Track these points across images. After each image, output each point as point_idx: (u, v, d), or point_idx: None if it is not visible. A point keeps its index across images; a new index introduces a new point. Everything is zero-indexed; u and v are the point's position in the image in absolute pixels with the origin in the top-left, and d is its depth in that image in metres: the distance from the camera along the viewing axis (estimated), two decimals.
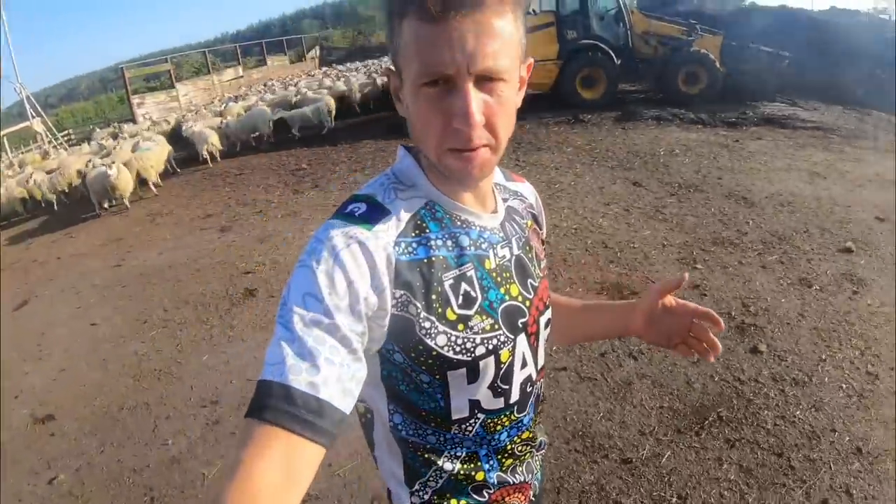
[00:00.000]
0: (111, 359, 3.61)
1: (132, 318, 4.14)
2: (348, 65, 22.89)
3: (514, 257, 0.73)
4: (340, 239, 0.59)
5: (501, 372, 0.71)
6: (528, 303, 0.73)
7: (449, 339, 0.65)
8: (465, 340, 0.66)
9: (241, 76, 25.11)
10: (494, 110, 0.59)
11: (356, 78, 13.62)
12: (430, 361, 0.65)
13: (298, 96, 12.14)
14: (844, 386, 2.59)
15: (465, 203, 0.70)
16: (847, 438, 2.28)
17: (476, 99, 0.57)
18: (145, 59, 36.61)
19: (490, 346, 0.68)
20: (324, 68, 25.33)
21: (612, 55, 9.56)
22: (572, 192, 5.68)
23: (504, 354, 0.70)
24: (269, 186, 7.34)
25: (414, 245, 0.64)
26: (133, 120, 17.72)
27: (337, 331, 0.55)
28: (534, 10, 10.08)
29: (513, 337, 0.71)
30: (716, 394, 2.58)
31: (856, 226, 4.49)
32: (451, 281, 0.65)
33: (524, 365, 0.74)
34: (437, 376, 0.66)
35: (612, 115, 8.95)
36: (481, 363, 0.68)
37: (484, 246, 0.70)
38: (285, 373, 0.52)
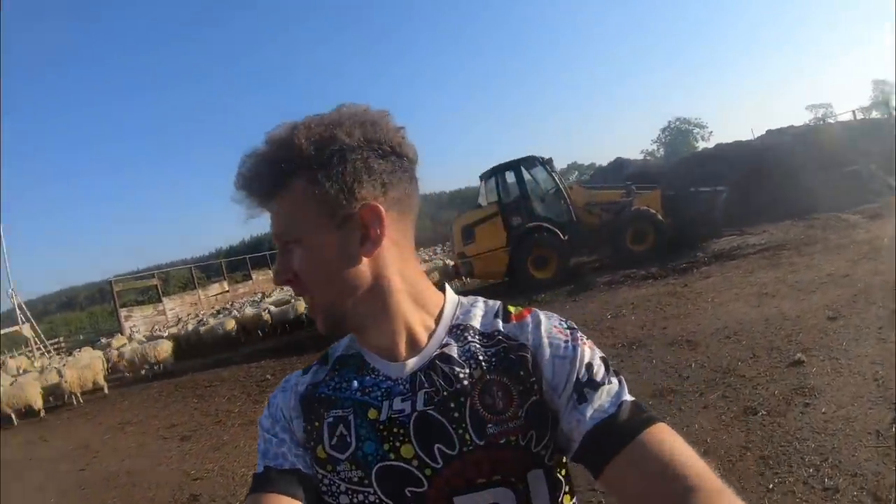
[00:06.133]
0: None
1: None
2: None
3: (415, 413, 0.63)
4: (280, 385, 0.73)
5: None
6: (428, 471, 0.62)
7: (317, 474, 0.65)
8: (331, 483, 0.64)
9: (227, 291, 25.90)
10: (299, 268, 0.65)
11: None
12: (309, 495, 0.65)
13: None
14: None
15: (370, 349, 0.69)
16: None
17: (280, 261, 0.66)
18: (139, 273, 38.12)
19: (355, 501, 0.63)
20: None
21: (559, 232, 9.72)
22: None
23: None
24: (233, 397, 7.45)
25: (326, 383, 0.69)
26: (121, 331, 18.28)
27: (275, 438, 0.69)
28: (479, 204, 10.70)
29: (389, 503, 0.62)
30: None
31: (806, 334, 4.52)
32: (330, 419, 0.66)
33: None
34: None
35: (565, 290, 9.06)
36: None
37: (374, 394, 0.65)
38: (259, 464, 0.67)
